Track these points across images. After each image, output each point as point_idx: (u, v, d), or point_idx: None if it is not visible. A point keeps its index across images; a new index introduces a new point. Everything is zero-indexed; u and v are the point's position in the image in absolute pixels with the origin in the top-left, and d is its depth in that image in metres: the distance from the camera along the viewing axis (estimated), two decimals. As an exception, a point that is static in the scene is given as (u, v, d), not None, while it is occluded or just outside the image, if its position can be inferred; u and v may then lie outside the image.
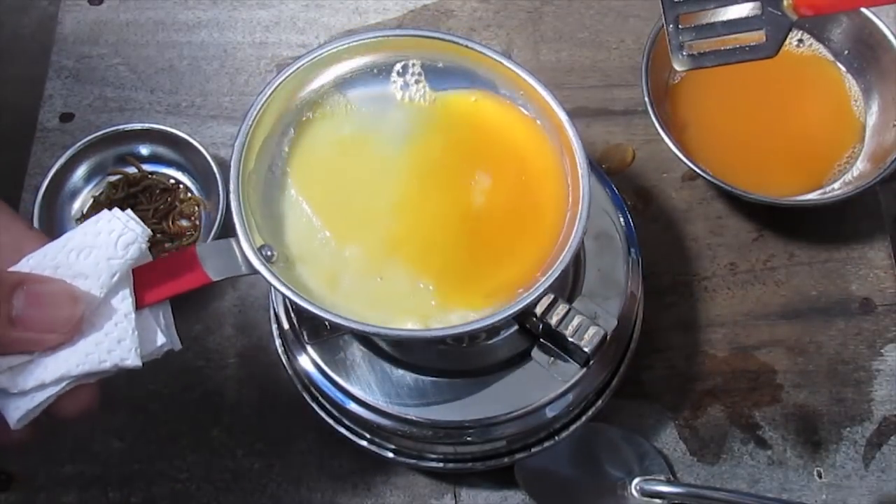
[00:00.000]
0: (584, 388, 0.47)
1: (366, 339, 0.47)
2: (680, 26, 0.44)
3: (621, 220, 0.51)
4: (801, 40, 0.62)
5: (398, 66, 0.45)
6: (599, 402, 0.50)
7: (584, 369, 0.46)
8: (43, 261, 0.36)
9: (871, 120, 0.60)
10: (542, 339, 0.46)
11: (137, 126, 0.61)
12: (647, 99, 0.57)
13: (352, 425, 0.49)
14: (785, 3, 0.42)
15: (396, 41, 0.45)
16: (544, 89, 0.43)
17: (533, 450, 0.49)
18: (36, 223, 0.57)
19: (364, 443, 0.50)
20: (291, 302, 0.40)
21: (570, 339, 0.44)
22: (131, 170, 0.61)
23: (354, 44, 0.44)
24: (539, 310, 0.43)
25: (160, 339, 0.37)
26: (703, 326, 0.58)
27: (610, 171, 0.62)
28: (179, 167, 0.61)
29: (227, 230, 0.57)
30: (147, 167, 0.61)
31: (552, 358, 0.46)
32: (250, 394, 0.56)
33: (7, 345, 0.34)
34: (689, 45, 0.44)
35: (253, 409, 0.55)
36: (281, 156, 0.43)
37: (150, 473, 0.54)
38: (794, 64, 0.62)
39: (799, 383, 0.56)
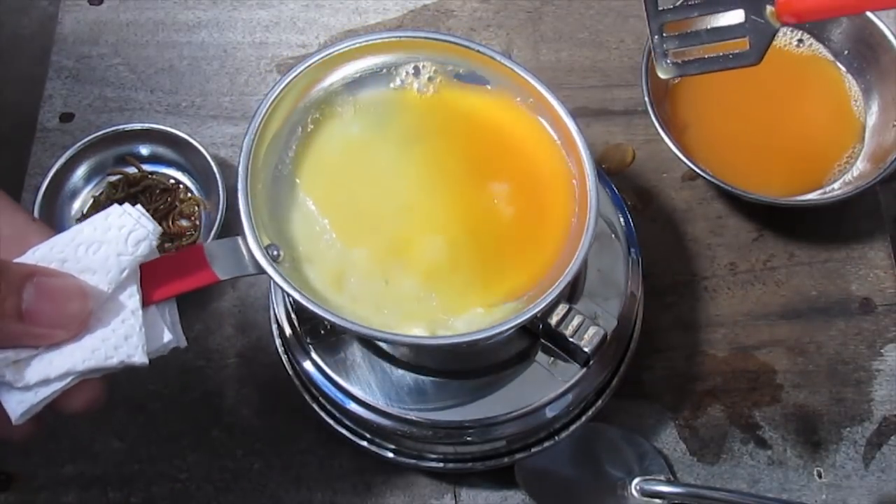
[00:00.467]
0: (584, 388, 0.47)
1: (366, 340, 0.47)
2: (665, 34, 0.45)
3: (621, 220, 0.51)
4: (801, 40, 0.62)
5: (408, 68, 0.45)
6: (599, 402, 0.50)
7: (584, 369, 0.46)
8: (49, 253, 0.35)
9: (871, 120, 0.60)
10: (542, 339, 0.46)
11: (137, 126, 0.60)
12: (647, 99, 0.57)
13: (352, 425, 0.50)
14: (768, 11, 0.42)
15: (406, 42, 0.44)
16: (555, 98, 0.43)
17: (533, 450, 0.49)
18: (36, 223, 0.57)
19: (364, 443, 0.50)
20: (296, 303, 0.40)
21: (571, 339, 0.44)
22: (131, 170, 0.61)
23: (364, 44, 0.44)
24: (539, 310, 0.43)
25: (167, 337, 0.37)
26: (703, 326, 0.58)
27: (610, 171, 0.62)
28: (179, 167, 0.61)
29: (227, 230, 0.57)
30: (147, 167, 0.61)
31: (552, 358, 0.46)
32: (250, 394, 0.56)
33: (13, 338, 0.34)
34: (674, 52, 0.45)
35: (253, 409, 0.55)
36: (288, 155, 0.43)
37: (150, 473, 0.54)
38: (794, 64, 0.62)
39: (799, 383, 0.56)
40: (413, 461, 0.50)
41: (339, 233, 0.42)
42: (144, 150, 0.61)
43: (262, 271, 0.38)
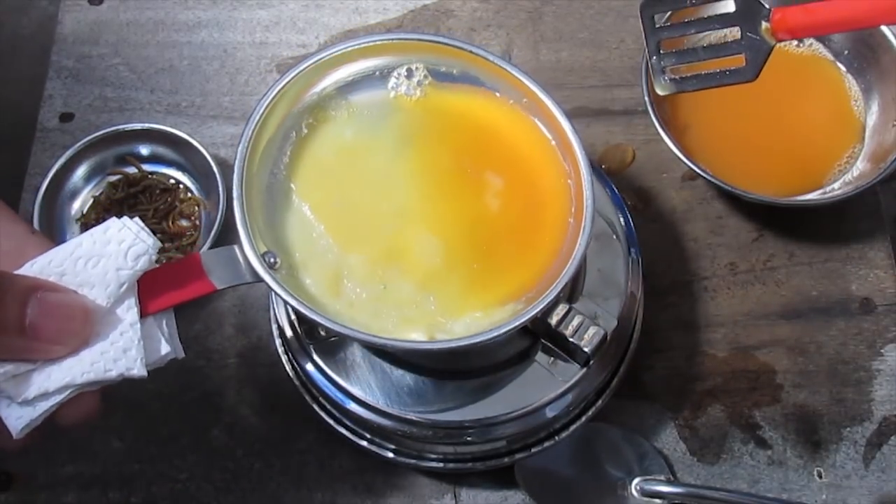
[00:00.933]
0: (584, 388, 0.47)
1: (366, 340, 0.47)
2: (662, 51, 0.46)
3: (621, 220, 0.51)
4: (801, 40, 0.62)
5: (401, 70, 0.45)
6: (599, 402, 0.50)
7: (584, 369, 0.46)
8: (48, 267, 0.35)
9: (871, 120, 0.60)
10: (542, 339, 0.46)
11: (137, 126, 0.61)
12: (647, 99, 0.57)
13: (352, 425, 0.50)
14: (763, 28, 0.43)
15: (399, 44, 0.44)
16: (550, 99, 0.43)
17: (533, 450, 0.49)
18: (36, 223, 0.57)
19: (364, 443, 0.50)
20: (295, 309, 0.40)
21: (571, 339, 0.44)
22: (131, 170, 0.61)
23: (357, 47, 0.44)
24: (539, 310, 0.43)
25: (164, 348, 0.37)
26: (703, 326, 0.58)
27: (610, 171, 0.62)
28: (179, 167, 0.61)
29: (227, 230, 0.57)
30: (147, 167, 0.61)
31: (552, 358, 0.46)
32: (250, 394, 0.56)
33: (14, 351, 0.34)
34: (672, 69, 0.46)
35: (253, 408, 0.55)
36: (283, 161, 0.43)
37: (150, 473, 0.54)
38: (794, 64, 0.62)
39: (799, 383, 0.56)
40: (413, 461, 0.50)
41: (335, 238, 0.42)
42: (144, 150, 0.61)
43: (259, 279, 0.38)
